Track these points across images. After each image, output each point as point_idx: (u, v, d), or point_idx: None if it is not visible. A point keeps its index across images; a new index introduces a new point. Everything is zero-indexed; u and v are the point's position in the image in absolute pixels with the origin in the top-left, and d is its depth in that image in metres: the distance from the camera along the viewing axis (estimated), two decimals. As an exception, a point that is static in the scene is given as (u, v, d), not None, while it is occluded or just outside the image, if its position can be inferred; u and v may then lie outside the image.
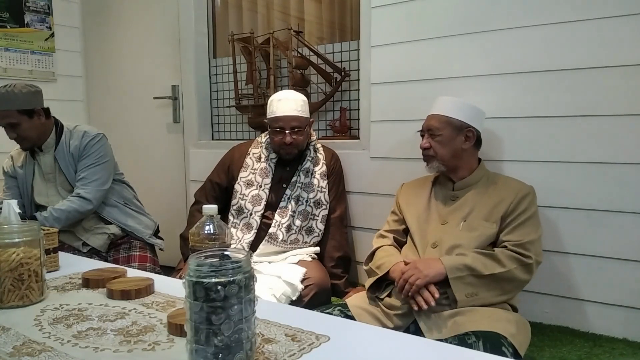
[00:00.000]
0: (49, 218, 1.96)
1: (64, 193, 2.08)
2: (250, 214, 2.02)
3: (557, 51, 1.72)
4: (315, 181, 2.05)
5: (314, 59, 2.42)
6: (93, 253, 2.06)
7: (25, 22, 2.86)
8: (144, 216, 2.25)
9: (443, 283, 1.40)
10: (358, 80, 2.31)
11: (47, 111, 2.06)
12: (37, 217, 1.97)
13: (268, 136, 2.12)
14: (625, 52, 1.61)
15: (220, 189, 2.15)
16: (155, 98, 2.92)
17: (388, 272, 1.52)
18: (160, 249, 2.26)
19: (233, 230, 2.03)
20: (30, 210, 2.11)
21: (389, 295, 1.51)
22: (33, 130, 2.01)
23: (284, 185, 2.05)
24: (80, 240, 2.07)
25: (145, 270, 1.75)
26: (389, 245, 1.65)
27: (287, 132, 1.97)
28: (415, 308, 1.40)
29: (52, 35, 2.99)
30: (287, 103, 1.98)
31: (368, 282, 1.58)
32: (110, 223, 2.12)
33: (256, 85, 2.59)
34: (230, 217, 2.06)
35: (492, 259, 1.42)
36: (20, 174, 2.11)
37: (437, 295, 1.39)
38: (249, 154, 2.12)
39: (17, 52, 2.84)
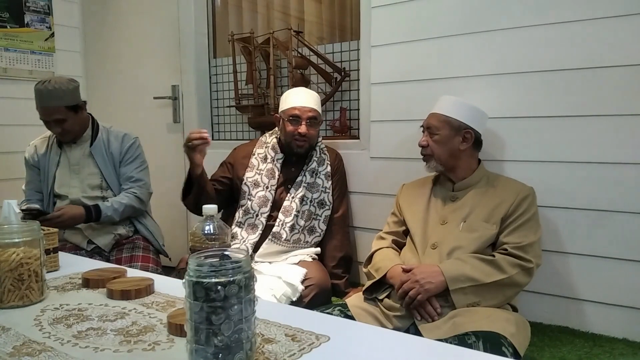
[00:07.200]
0: (110, 208, 2.05)
1: (87, 187, 2.11)
2: (257, 215, 2.02)
3: (557, 51, 1.72)
4: (319, 181, 2.05)
5: (314, 59, 2.42)
6: (95, 252, 2.07)
7: (25, 22, 2.86)
8: (158, 226, 2.31)
9: (444, 290, 1.40)
10: (358, 80, 2.31)
11: (84, 105, 2.13)
12: (100, 206, 2.03)
13: (274, 136, 2.12)
14: (625, 52, 1.61)
15: (221, 185, 2.10)
16: (155, 98, 2.92)
17: (385, 275, 1.52)
18: (168, 257, 2.30)
19: (237, 229, 2.03)
20: (48, 199, 2.14)
21: (388, 297, 1.51)
22: (77, 125, 2.09)
23: (289, 186, 2.05)
24: (86, 238, 2.08)
25: (148, 271, 1.75)
26: (387, 247, 1.65)
27: (302, 122, 1.98)
28: (418, 318, 1.41)
29: (52, 35, 2.99)
30: (305, 95, 2.03)
31: (366, 285, 1.59)
32: (118, 223, 2.13)
33: (256, 85, 2.59)
34: (237, 216, 2.06)
35: (493, 266, 1.41)
36: (42, 162, 2.15)
37: (439, 310, 1.39)
38: (254, 154, 2.12)
39: (17, 52, 2.83)
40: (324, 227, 2.05)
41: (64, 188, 2.11)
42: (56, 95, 1.99)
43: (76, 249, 2.05)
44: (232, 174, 2.11)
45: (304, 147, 2.02)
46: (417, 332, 1.38)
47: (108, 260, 2.03)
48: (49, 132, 2.18)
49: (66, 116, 2.02)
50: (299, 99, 2.01)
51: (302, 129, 1.98)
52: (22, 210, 2.00)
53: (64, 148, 2.15)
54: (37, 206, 2.06)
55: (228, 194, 2.11)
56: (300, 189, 2.02)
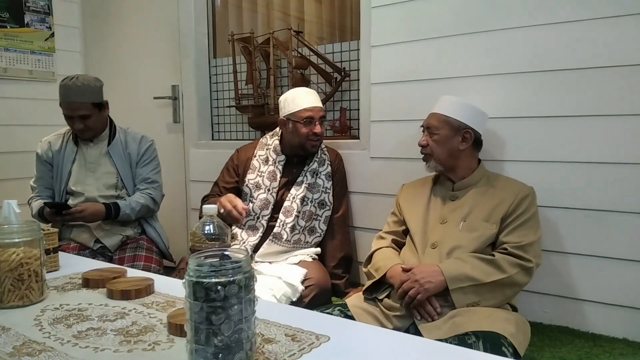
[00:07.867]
0: (128, 206, 2.08)
1: (102, 185, 2.13)
2: (258, 218, 2.02)
3: (557, 51, 1.72)
4: (320, 182, 2.05)
5: (314, 59, 2.42)
6: (98, 252, 2.07)
7: (25, 22, 2.86)
8: (164, 229, 2.32)
9: (443, 290, 1.40)
10: (358, 80, 2.31)
11: (107, 104, 2.17)
12: (118, 204, 2.06)
13: (275, 137, 2.12)
14: (625, 52, 1.61)
15: (228, 191, 2.12)
16: (155, 98, 2.92)
17: (385, 275, 1.52)
18: (173, 261, 2.30)
19: (238, 230, 2.03)
20: (61, 196, 2.15)
21: (388, 296, 1.51)
22: (99, 123, 2.12)
23: (290, 186, 2.05)
24: (94, 237, 2.09)
25: (150, 271, 1.75)
26: (387, 247, 1.65)
27: (317, 122, 2.00)
28: (418, 318, 1.41)
29: (52, 35, 2.99)
30: (312, 96, 2.05)
31: (366, 284, 1.59)
32: (127, 225, 2.14)
33: (256, 85, 2.59)
34: None
35: (493, 266, 1.41)
36: (57, 158, 2.16)
37: (439, 309, 1.39)
38: (255, 156, 2.12)
39: (17, 52, 2.83)
40: (324, 227, 2.05)
41: (79, 185, 2.12)
42: (84, 91, 2.01)
43: (80, 248, 2.05)
44: (239, 176, 2.12)
45: (317, 147, 2.05)
46: (417, 332, 1.38)
47: (111, 260, 2.03)
48: (63, 129, 2.19)
49: (91, 113, 2.05)
50: (309, 100, 2.02)
51: (318, 128, 2.00)
52: (46, 203, 2.01)
53: (80, 146, 2.16)
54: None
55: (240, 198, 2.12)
56: (301, 190, 2.02)
